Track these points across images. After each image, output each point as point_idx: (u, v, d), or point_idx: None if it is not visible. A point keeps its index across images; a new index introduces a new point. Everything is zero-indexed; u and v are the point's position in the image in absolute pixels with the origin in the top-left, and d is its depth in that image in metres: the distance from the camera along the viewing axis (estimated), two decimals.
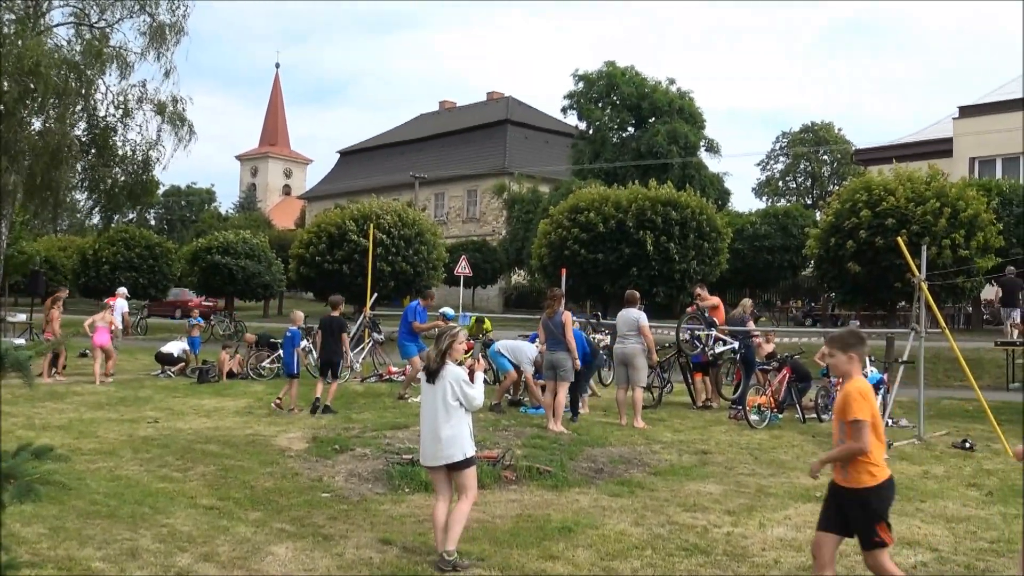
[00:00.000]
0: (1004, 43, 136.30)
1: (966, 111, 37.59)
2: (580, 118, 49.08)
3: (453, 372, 6.58)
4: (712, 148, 49.52)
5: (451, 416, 6.51)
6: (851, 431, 5.24)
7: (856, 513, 5.29)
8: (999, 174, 34.30)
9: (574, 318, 13.57)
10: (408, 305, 17.01)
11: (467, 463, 6.55)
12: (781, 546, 7.17)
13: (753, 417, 13.09)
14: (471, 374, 6.79)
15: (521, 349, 14.37)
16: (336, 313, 15.02)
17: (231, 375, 19.02)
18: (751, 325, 15.95)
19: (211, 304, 40.23)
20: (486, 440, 11.28)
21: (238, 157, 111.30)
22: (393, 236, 31.82)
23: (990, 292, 24.04)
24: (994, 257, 21.90)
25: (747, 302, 16.89)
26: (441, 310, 17.42)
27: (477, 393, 6.63)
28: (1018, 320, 21.54)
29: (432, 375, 6.60)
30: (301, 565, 6.46)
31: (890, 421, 12.66)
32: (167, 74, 27.60)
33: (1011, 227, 25.44)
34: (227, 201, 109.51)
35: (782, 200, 66.15)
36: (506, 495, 8.64)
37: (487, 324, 20.19)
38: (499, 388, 14.55)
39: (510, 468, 9.35)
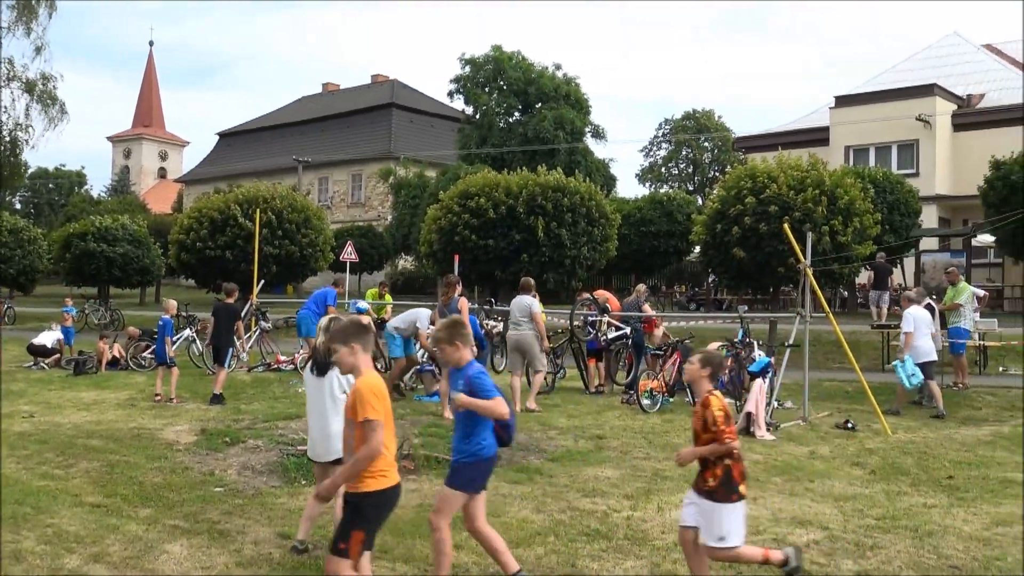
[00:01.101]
0: (881, 35, 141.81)
1: (842, 100, 38.96)
2: (467, 102, 48.88)
3: None
4: (598, 134, 49.96)
5: (340, 410, 6.30)
6: (362, 432, 4.80)
7: (345, 514, 4.95)
8: (872, 162, 35.69)
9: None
10: (322, 291, 16.83)
11: None
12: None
13: (645, 401, 13.27)
14: None
15: (416, 315, 14.20)
16: (231, 301, 14.79)
17: (112, 365, 18.33)
18: (647, 309, 16.19)
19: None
20: None
21: (110, 138, 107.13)
22: (282, 220, 31.16)
23: (863, 277, 25.00)
24: (871, 244, 22.75)
25: (641, 287, 17.16)
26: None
27: None
28: (887, 303, 22.51)
29: (321, 368, 6.42)
30: (198, 563, 6.24)
31: (776, 403, 13.00)
32: (38, 51, 26.40)
33: (885, 214, 26.49)
34: (99, 184, 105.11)
35: (665, 186, 67.40)
36: (405, 485, 8.43)
37: (388, 297, 19.92)
38: (390, 376, 14.38)
39: (408, 458, 9.25)
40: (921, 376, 13.27)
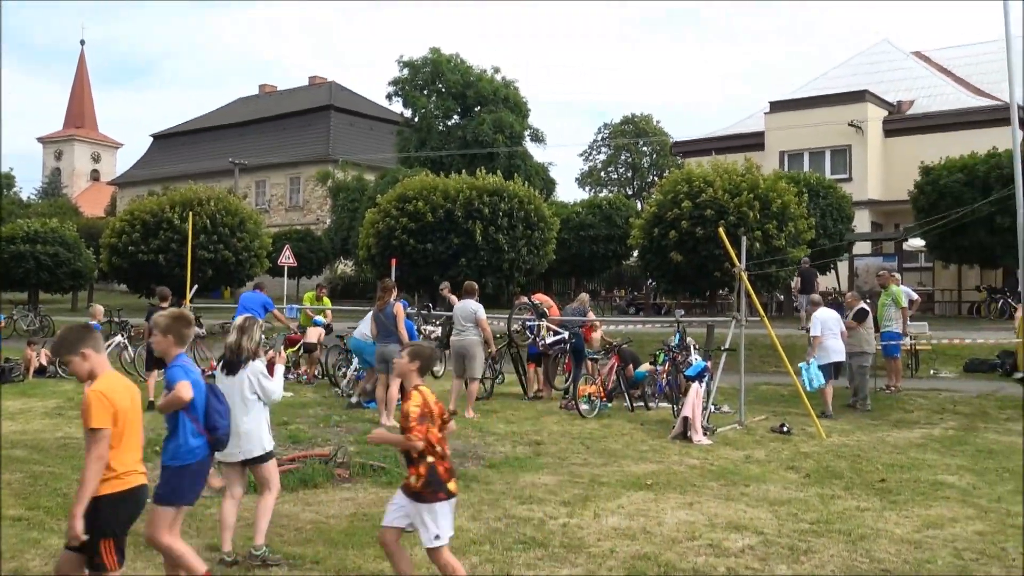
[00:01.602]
0: (813, 41, 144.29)
1: (776, 106, 39.44)
2: (405, 105, 48.67)
3: (252, 365, 6.43)
4: (537, 138, 50.18)
5: (249, 410, 6.38)
6: (89, 440, 4.68)
7: (86, 527, 4.67)
8: (807, 167, 36.25)
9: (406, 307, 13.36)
10: (252, 295, 16.60)
11: (266, 457, 6.48)
12: (616, 535, 7.25)
13: (584, 407, 13.27)
14: (270, 367, 6.64)
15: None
16: (165, 305, 14.53)
17: (40, 372, 17.84)
18: (591, 316, 16.25)
19: None
20: (317, 437, 10.99)
21: (40, 139, 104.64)
22: (216, 223, 30.63)
23: (795, 282, 25.38)
24: (806, 248, 23.04)
25: (584, 296, 17.22)
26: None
27: (276, 387, 6.55)
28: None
29: (231, 368, 6.40)
30: None
31: (713, 407, 13.08)
32: None
33: (818, 218, 26.89)
34: (28, 186, 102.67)
35: (604, 190, 67.76)
36: (340, 494, 8.40)
37: (326, 300, 19.62)
38: (361, 384, 14.15)
39: (343, 466, 9.11)
40: (822, 380, 13.40)
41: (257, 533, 6.36)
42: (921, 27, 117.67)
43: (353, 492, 8.48)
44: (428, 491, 5.32)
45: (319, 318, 18.15)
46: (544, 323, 15.20)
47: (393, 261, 22.63)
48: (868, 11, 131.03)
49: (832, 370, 13.88)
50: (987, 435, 12.25)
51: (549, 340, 15.12)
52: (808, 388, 13.10)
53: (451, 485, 5.42)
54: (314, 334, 17.55)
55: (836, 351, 14.09)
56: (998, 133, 26.71)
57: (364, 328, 13.75)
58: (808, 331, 14.95)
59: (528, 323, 15.31)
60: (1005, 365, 17.53)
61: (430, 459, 5.34)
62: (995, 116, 30.67)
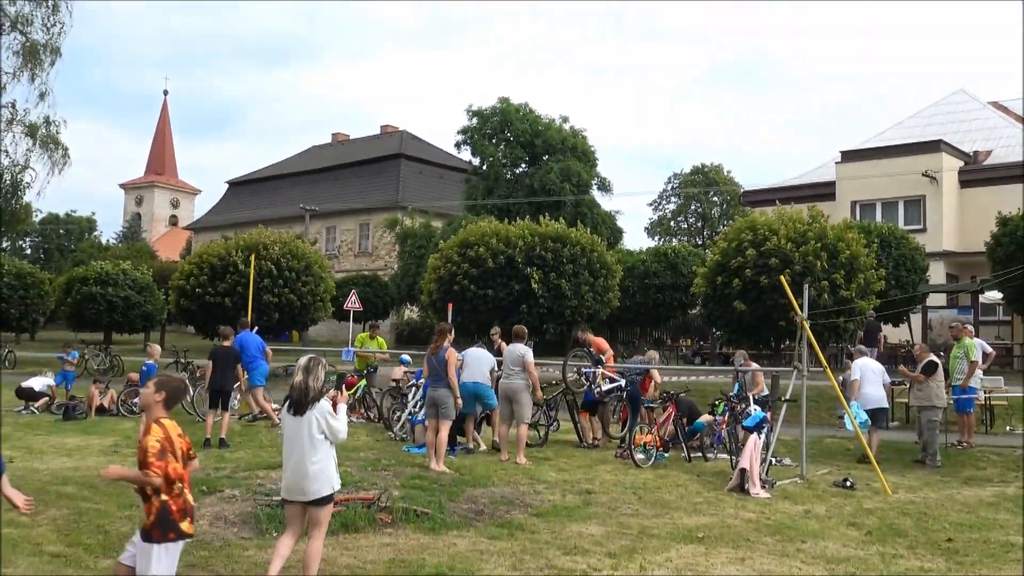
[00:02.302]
0: (877, 91, 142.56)
1: (848, 156, 38.84)
2: (474, 154, 49.02)
3: (319, 405, 6.40)
4: (604, 186, 50.02)
5: (318, 450, 6.36)
6: None
7: None
8: (879, 218, 35.50)
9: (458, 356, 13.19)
10: (248, 336, 16.67)
11: (330, 499, 6.47)
12: None
13: (639, 456, 12.93)
14: (334, 406, 6.57)
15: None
16: (228, 344, 14.72)
17: (101, 411, 18.07)
18: (652, 364, 16.01)
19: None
20: (364, 481, 10.84)
21: (122, 185, 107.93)
22: (281, 267, 31.02)
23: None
24: (875, 299, 22.44)
25: (654, 354, 16.99)
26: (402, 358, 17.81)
27: (341, 426, 6.50)
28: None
29: (299, 408, 6.39)
30: None
31: (774, 460, 12.65)
32: (42, 96, 26.31)
33: (890, 269, 26.23)
34: (109, 230, 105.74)
35: (674, 240, 67.35)
36: (380, 539, 8.22)
37: (380, 341, 19.51)
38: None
39: (385, 510, 8.93)
40: (865, 416, 13.25)
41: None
42: (997, 77, 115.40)
43: (394, 538, 8.29)
44: (157, 530, 5.13)
45: (406, 356, 18.22)
46: (600, 370, 14.93)
47: (450, 305, 22.62)
48: (944, 61, 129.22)
49: (872, 418, 13.69)
50: None
51: (605, 387, 14.83)
52: (849, 428, 12.96)
53: (184, 525, 5.22)
54: (398, 372, 17.51)
55: (875, 400, 14.05)
56: None
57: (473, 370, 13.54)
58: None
59: (584, 370, 15.05)
60: None
61: (164, 497, 5.15)
62: None
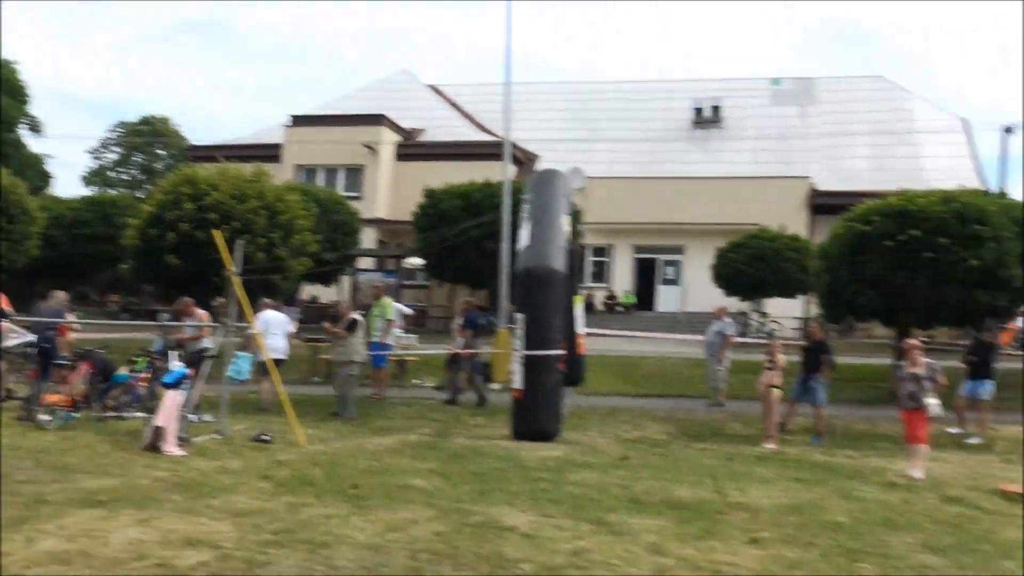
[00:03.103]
0: (335, 60, 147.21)
1: (298, 120, 39.73)
2: None
3: None
4: (35, 127, 46.12)
5: None
6: None
7: None
8: (322, 182, 36.86)
9: None
10: None
11: None
12: (49, 560, 6.35)
13: (43, 417, 11.85)
14: None
15: None
16: None
17: None
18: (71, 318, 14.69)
19: None
20: None
21: None
22: None
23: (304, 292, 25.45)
24: (308, 260, 23.00)
25: (61, 295, 15.49)
26: None
27: None
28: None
29: None
30: None
31: (195, 416, 12.38)
32: None
33: (327, 232, 27.22)
34: None
35: (114, 191, 63.37)
36: None
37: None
38: None
39: None
40: (246, 372, 13.98)
41: None
42: (438, 64, 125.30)
43: None
44: None
45: None
46: (5, 323, 13.43)
47: None
48: (392, 42, 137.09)
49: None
50: (458, 440, 12.87)
51: (11, 342, 13.38)
52: (237, 378, 13.34)
53: None
54: None
55: (278, 350, 14.95)
56: (495, 166, 28.78)
57: None
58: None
59: None
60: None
61: None
62: (494, 151, 33.19)
